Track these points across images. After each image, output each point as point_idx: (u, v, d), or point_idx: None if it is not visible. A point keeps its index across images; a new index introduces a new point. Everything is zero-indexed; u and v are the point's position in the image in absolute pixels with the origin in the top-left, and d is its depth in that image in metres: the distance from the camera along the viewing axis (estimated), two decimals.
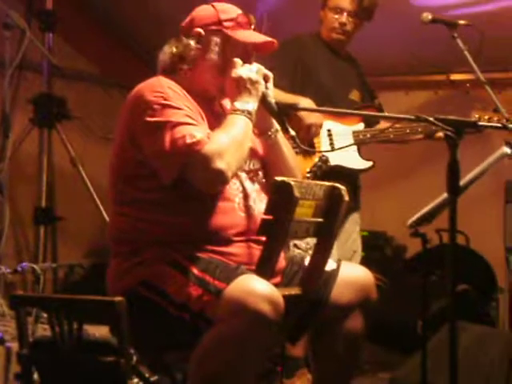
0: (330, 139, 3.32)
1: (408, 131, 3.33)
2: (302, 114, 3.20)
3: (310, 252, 2.68)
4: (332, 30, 3.42)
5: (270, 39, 2.24)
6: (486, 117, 3.16)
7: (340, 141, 3.30)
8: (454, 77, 4.86)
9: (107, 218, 3.95)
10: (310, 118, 3.22)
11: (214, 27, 2.21)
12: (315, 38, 3.46)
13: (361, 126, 3.39)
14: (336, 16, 3.40)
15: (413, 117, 1.99)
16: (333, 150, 3.28)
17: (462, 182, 1.96)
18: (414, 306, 3.81)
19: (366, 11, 3.45)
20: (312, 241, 2.80)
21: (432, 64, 4.79)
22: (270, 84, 2.22)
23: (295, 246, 2.23)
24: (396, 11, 4.29)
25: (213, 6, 2.26)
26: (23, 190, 4.27)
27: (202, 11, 2.26)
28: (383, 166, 4.95)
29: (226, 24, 2.21)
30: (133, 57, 5.14)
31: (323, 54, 3.43)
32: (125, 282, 2.09)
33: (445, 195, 2.05)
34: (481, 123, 1.92)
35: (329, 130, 3.31)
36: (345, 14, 3.39)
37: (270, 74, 2.22)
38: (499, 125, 1.93)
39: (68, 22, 4.36)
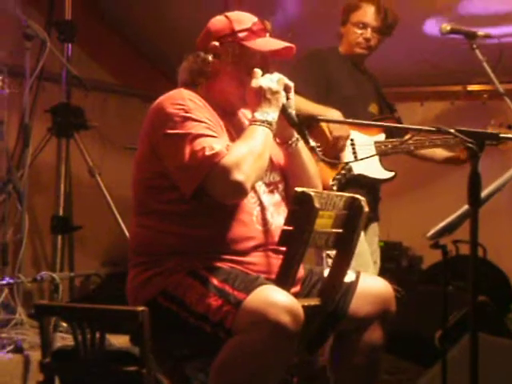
0: (353, 149, 3.37)
1: (427, 143, 3.38)
2: (331, 126, 3.25)
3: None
4: (356, 45, 3.46)
5: (287, 44, 2.23)
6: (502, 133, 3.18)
7: (362, 150, 3.35)
8: (472, 87, 4.86)
9: (124, 228, 3.98)
10: (339, 131, 3.26)
11: (229, 39, 2.22)
12: (335, 53, 3.50)
13: (382, 137, 3.43)
14: (360, 31, 3.44)
15: (434, 128, 1.99)
16: (355, 160, 3.31)
17: (482, 194, 1.95)
18: (430, 317, 3.80)
19: (389, 27, 3.50)
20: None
21: (449, 75, 4.79)
22: (292, 94, 2.22)
23: (328, 256, 2.24)
24: (414, 22, 4.30)
25: (226, 16, 2.26)
26: (41, 199, 4.29)
27: (217, 23, 2.27)
28: (399, 176, 5.00)
29: (240, 35, 2.21)
30: (151, 67, 5.18)
31: (345, 68, 3.47)
32: (145, 292, 2.10)
33: (465, 207, 2.04)
34: (502, 135, 1.92)
35: (352, 140, 3.35)
36: (369, 29, 3.44)
37: (291, 84, 2.22)
38: None
39: (87, 33, 4.39)
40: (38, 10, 4.24)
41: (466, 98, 4.94)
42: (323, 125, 3.27)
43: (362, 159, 3.24)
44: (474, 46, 3.09)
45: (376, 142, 3.39)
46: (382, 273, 4.39)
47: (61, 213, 4.10)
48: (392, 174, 3.42)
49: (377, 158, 3.38)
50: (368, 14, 3.45)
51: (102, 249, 4.76)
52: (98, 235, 4.55)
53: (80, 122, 4.16)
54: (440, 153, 3.56)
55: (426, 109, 5.08)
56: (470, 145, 1.88)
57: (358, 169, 3.32)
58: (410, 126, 2.15)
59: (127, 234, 3.86)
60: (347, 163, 3.28)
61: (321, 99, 3.28)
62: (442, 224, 2.12)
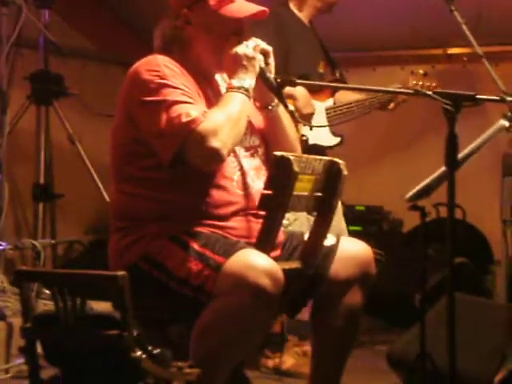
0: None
1: (368, 103, 3.39)
2: (299, 104, 3.22)
3: (290, 228, 2.72)
4: (332, 4, 3.43)
5: (258, 9, 2.21)
6: (420, 82, 3.34)
7: (315, 118, 3.34)
8: (452, 51, 4.85)
9: (106, 195, 3.98)
10: (306, 109, 3.26)
11: (199, 5, 2.19)
12: (287, 10, 3.43)
13: (330, 102, 3.44)
14: None
15: (412, 91, 2.00)
16: (331, 124, 3.32)
17: (460, 156, 1.97)
18: (411, 279, 3.86)
19: None
20: (292, 216, 2.85)
21: (429, 38, 4.78)
22: (271, 59, 2.21)
23: None
24: None
25: None
26: (21, 167, 4.27)
27: None
28: (379, 139, 5.02)
29: (211, 1, 2.18)
30: (130, 33, 5.12)
31: (297, 27, 3.41)
32: (126, 258, 2.11)
33: (443, 169, 2.06)
34: (479, 96, 1.93)
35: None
36: None
37: (270, 49, 2.21)
38: (497, 98, 1.94)
39: None
40: None
41: (447, 61, 4.93)
42: (290, 102, 3.25)
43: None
44: (453, 7, 3.09)
45: (327, 109, 3.39)
46: (364, 236, 4.45)
47: (42, 180, 4.09)
48: (338, 139, 3.42)
49: (326, 124, 3.39)
50: None
51: (85, 216, 4.75)
52: (79, 203, 4.54)
53: (59, 90, 4.13)
54: None
55: (407, 72, 5.06)
56: (447, 106, 1.89)
57: (312, 139, 3.31)
58: (390, 89, 2.15)
59: (108, 200, 3.86)
60: (319, 127, 3.27)
61: (280, 70, 3.25)
62: (419, 186, 2.14)
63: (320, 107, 3.39)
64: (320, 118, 3.36)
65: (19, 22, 3.58)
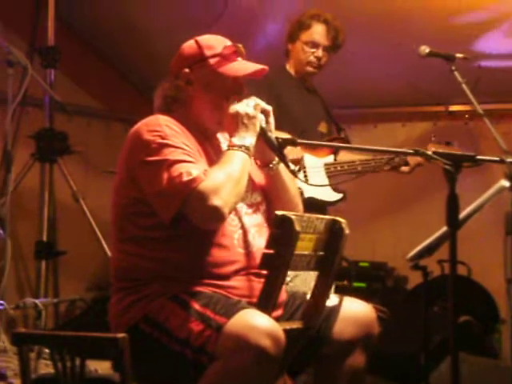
0: (304, 171, 3.36)
1: (374, 163, 3.40)
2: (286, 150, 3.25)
3: (291, 284, 2.71)
4: (307, 64, 3.47)
5: (258, 67, 2.23)
6: (441, 150, 3.24)
7: (313, 173, 3.35)
8: (453, 108, 4.89)
9: (109, 252, 3.96)
10: (292, 154, 3.27)
11: (199, 65, 2.22)
12: (282, 72, 3.50)
13: (331, 158, 3.46)
14: (312, 50, 3.46)
15: (412, 150, 2.01)
16: (339, 182, 3.32)
17: (461, 215, 1.97)
18: (415, 337, 3.81)
19: (338, 46, 3.53)
20: (293, 272, 2.84)
21: (431, 95, 4.82)
22: (271, 118, 2.23)
23: None
24: (395, 43, 4.34)
25: (197, 41, 2.26)
26: (25, 224, 4.28)
27: (187, 49, 2.27)
28: (382, 197, 5.02)
29: (211, 61, 2.22)
30: (135, 92, 5.19)
31: (293, 88, 3.47)
32: (127, 318, 2.10)
33: (445, 228, 2.05)
34: (479, 157, 1.94)
35: (303, 163, 3.35)
36: (320, 48, 3.46)
37: (270, 108, 2.24)
38: (497, 158, 1.95)
39: (70, 58, 4.41)
40: (20, 37, 4.26)
41: (448, 119, 4.97)
42: None
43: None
44: (453, 67, 3.13)
45: (326, 164, 3.41)
46: (368, 293, 4.42)
47: (45, 238, 4.09)
48: (340, 195, 3.41)
49: (326, 180, 3.39)
50: (319, 32, 3.46)
51: (87, 273, 4.74)
52: (82, 260, 4.54)
53: (63, 147, 4.17)
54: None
55: (408, 129, 5.10)
56: (447, 167, 1.89)
57: (308, 192, 3.30)
58: (389, 149, 2.16)
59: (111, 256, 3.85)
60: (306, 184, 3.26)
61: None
62: (421, 246, 2.13)
63: (319, 162, 3.41)
64: (318, 173, 3.37)
65: (25, 81, 3.62)
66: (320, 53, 3.46)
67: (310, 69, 3.49)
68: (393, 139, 4.93)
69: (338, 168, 3.43)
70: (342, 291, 2.54)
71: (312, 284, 2.39)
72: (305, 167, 3.35)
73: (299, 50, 3.48)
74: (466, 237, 1.95)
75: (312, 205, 3.21)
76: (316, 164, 3.40)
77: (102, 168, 4.39)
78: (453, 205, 1.90)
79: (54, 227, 4.16)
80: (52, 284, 4.16)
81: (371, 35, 4.35)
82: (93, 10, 4.68)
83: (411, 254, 2.17)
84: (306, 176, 3.35)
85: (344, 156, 3.52)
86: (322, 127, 3.56)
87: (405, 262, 4.70)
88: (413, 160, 3.41)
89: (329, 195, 3.40)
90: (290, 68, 3.53)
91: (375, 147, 2.29)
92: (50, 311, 4.00)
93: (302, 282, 2.92)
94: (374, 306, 2.32)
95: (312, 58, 3.46)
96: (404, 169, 3.48)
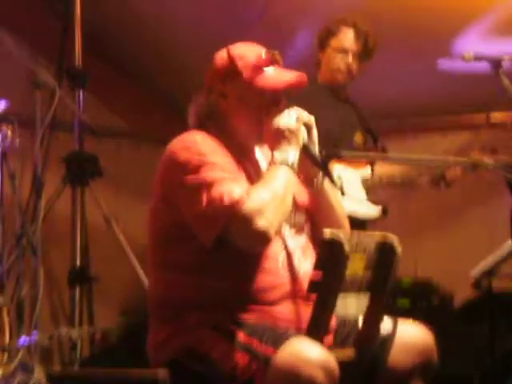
0: (341, 186, 3.20)
1: (413, 175, 3.26)
2: None
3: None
4: (337, 72, 3.33)
5: (295, 77, 2.08)
6: (484, 158, 3.07)
7: (350, 187, 3.19)
8: (495, 116, 4.71)
9: (143, 276, 3.85)
10: None
11: (232, 78, 2.08)
12: (314, 84, 3.33)
13: (368, 170, 3.30)
14: (341, 56, 3.31)
15: (468, 161, 1.85)
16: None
17: None
18: (467, 356, 3.63)
19: (370, 52, 3.37)
20: None
21: (471, 103, 4.66)
22: (314, 131, 2.09)
23: None
24: (433, 50, 4.20)
25: (228, 52, 2.11)
26: (57, 250, 4.18)
27: (219, 61, 2.12)
28: (423, 210, 4.86)
29: (244, 72, 2.07)
30: (163, 111, 5.10)
31: (326, 99, 3.32)
32: (166, 351, 1.96)
33: (509, 243, 1.89)
34: None
35: (338, 176, 3.19)
36: (350, 54, 3.31)
37: (312, 120, 2.09)
38: None
39: (98, 79, 4.33)
40: (48, 58, 4.17)
41: (489, 127, 4.79)
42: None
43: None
44: (501, 70, 2.96)
45: (363, 177, 3.27)
46: (414, 313, 4.23)
47: (78, 263, 3.99)
48: (379, 209, 3.25)
49: (364, 192, 3.24)
50: (348, 37, 3.32)
51: (122, 298, 4.63)
52: (116, 285, 4.43)
53: (94, 170, 4.08)
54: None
55: (448, 140, 4.94)
56: (510, 178, 1.73)
57: (347, 207, 3.17)
58: (441, 158, 2.00)
59: (146, 281, 3.74)
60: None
61: None
62: (486, 263, 1.96)
63: (355, 175, 3.26)
64: (356, 185, 3.21)
65: (53, 104, 3.53)
66: (350, 59, 3.31)
67: (340, 77, 3.34)
68: (431, 150, 4.77)
69: (377, 181, 3.27)
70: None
71: (352, 307, 2.24)
72: (340, 180, 3.20)
73: (329, 57, 3.35)
74: None
75: (351, 221, 3.09)
76: (352, 177, 3.25)
77: (133, 189, 4.31)
78: None
79: (86, 253, 4.06)
80: (87, 311, 4.04)
81: (406, 47, 4.21)
82: (118, 28, 4.62)
83: (475, 272, 2.00)
84: (342, 190, 3.19)
85: (381, 168, 3.37)
86: (358, 138, 3.41)
87: (450, 277, 4.52)
88: (450, 174, 3.22)
89: (369, 210, 3.25)
90: (321, 78, 3.39)
91: (421, 157, 2.12)
92: (85, 339, 3.89)
93: (340, 305, 2.76)
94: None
95: (342, 65, 3.32)
96: (442, 185, 3.30)
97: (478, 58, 3.01)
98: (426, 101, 4.67)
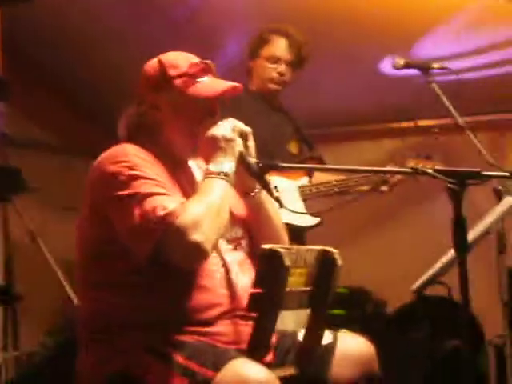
0: (278, 197, 3.15)
1: (351, 183, 3.23)
2: None
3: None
4: (269, 81, 3.28)
5: (229, 85, 2.02)
6: (421, 165, 3.09)
7: (286, 196, 3.14)
8: (422, 123, 4.75)
9: (71, 293, 3.71)
10: None
11: (165, 87, 2.00)
12: (245, 91, 3.28)
13: (305, 180, 3.28)
14: (274, 66, 3.27)
15: (409, 169, 1.82)
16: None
17: (470, 238, 1.77)
18: (403, 364, 3.62)
19: (302, 61, 3.34)
20: None
21: (398, 111, 4.69)
22: (251, 141, 2.02)
23: None
24: (360, 60, 4.20)
25: (160, 60, 2.03)
26: None
27: (150, 70, 2.04)
28: (355, 219, 4.86)
29: (177, 81, 2.00)
30: (92, 124, 4.96)
31: (257, 107, 3.25)
32: (99, 375, 1.86)
33: (451, 254, 1.86)
34: (486, 173, 1.75)
35: (275, 187, 3.12)
36: (283, 63, 3.27)
37: (249, 130, 2.02)
38: (507, 173, 1.77)
39: (22, 91, 4.17)
40: None
41: (417, 134, 4.84)
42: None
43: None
44: (431, 78, 2.96)
45: (300, 187, 3.22)
46: (349, 321, 4.21)
47: (1, 282, 3.82)
48: (317, 219, 3.21)
49: (301, 203, 3.20)
50: (280, 47, 3.28)
51: (48, 316, 4.46)
52: (42, 303, 4.26)
53: (18, 184, 3.91)
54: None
55: (377, 147, 4.96)
56: (451, 185, 1.70)
57: (283, 217, 3.14)
58: (382, 169, 1.96)
59: (74, 298, 3.63)
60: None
61: None
62: (426, 275, 1.93)
63: (292, 185, 3.22)
64: (292, 196, 3.17)
65: None
66: (283, 68, 3.27)
67: (273, 86, 3.29)
68: (361, 158, 4.79)
69: (314, 190, 3.24)
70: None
71: (291, 322, 2.19)
72: (277, 191, 3.13)
73: (261, 66, 3.30)
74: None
75: (288, 231, 3.04)
76: (289, 187, 3.20)
77: (60, 205, 4.16)
78: (460, 227, 1.70)
79: (10, 270, 3.88)
80: (11, 332, 3.86)
81: (335, 53, 4.20)
82: (47, 39, 4.46)
83: (416, 285, 1.97)
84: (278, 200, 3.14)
85: (319, 177, 3.34)
86: (293, 147, 3.37)
87: (382, 285, 4.52)
88: (392, 178, 3.23)
89: (306, 220, 3.21)
90: (252, 87, 3.33)
91: (363, 167, 2.09)
92: (9, 362, 3.72)
93: (279, 321, 2.70)
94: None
95: (274, 74, 3.27)
96: (383, 188, 3.29)
97: (408, 65, 3.00)
98: (354, 109, 4.67)
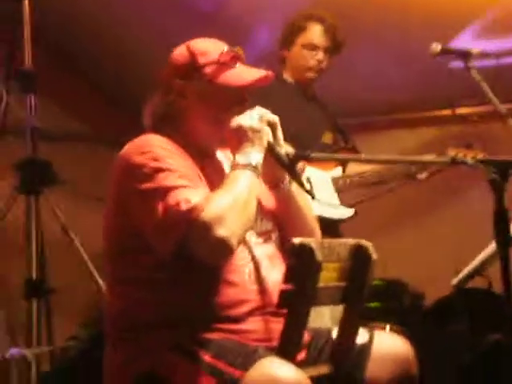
0: (310, 189, 3.07)
1: (386, 173, 3.17)
2: None
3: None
4: (307, 69, 3.22)
5: (261, 74, 1.95)
6: (462, 154, 2.98)
7: (320, 188, 3.06)
8: (461, 111, 4.63)
9: (103, 285, 3.69)
10: None
11: (193, 75, 1.93)
12: (279, 81, 3.18)
13: (339, 171, 3.20)
14: (311, 53, 3.19)
15: (447, 159, 1.72)
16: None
17: None
18: (442, 358, 3.52)
19: (338, 46, 3.26)
20: None
21: (436, 99, 4.58)
22: (279, 131, 1.94)
23: None
24: (397, 47, 4.10)
25: (188, 48, 1.96)
26: (11, 263, 3.99)
27: (178, 57, 1.97)
28: (390, 210, 4.77)
29: (206, 70, 1.92)
30: (120, 112, 4.93)
31: (291, 99, 3.19)
32: (124, 376, 1.81)
33: (492, 248, 1.76)
34: None
35: (308, 178, 3.05)
36: (320, 50, 3.19)
37: (276, 120, 1.94)
38: None
39: (51, 81, 4.16)
40: None
41: (456, 122, 4.72)
42: None
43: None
44: (470, 64, 2.85)
45: (334, 178, 3.15)
46: (385, 314, 4.12)
47: (34, 276, 3.80)
48: (352, 211, 3.14)
49: (335, 195, 3.12)
50: (317, 33, 3.21)
51: (81, 309, 4.45)
52: (75, 296, 4.25)
53: (48, 177, 3.89)
54: None
55: (415, 135, 4.86)
56: (493, 175, 1.61)
57: (316, 210, 3.06)
58: (418, 158, 1.87)
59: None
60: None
61: None
62: (467, 270, 1.84)
63: (325, 176, 3.15)
64: (326, 188, 3.09)
65: (0, 109, 3.34)
66: (321, 55, 3.21)
67: (310, 74, 3.23)
68: (399, 147, 4.69)
69: (348, 181, 3.15)
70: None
71: (326, 319, 2.11)
72: (309, 182, 3.06)
73: (297, 55, 3.23)
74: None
75: (322, 224, 2.96)
76: (322, 178, 3.12)
77: (91, 195, 4.13)
78: (502, 219, 1.61)
79: (43, 264, 3.87)
80: (45, 325, 3.85)
81: (372, 41, 4.10)
82: (73, 28, 4.44)
83: (457, 279, 1.88)
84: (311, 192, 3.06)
85: (353, 167, 3.25)
86: (327, 138, 3.30)
87: (419, 277, 4.42)
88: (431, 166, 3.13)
89: (340, 212, 3.12)
90: (287, 76, 3.25)
91: (398, 157, 1.99)
92: (43, 356, 3.70)
93: (313, 318, 2.62)
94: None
95: (313, 62, 3.21)
96: (420, 176, 3.18)
97: (445, 51, 2.90)
98: (392, 97, 4.57)
